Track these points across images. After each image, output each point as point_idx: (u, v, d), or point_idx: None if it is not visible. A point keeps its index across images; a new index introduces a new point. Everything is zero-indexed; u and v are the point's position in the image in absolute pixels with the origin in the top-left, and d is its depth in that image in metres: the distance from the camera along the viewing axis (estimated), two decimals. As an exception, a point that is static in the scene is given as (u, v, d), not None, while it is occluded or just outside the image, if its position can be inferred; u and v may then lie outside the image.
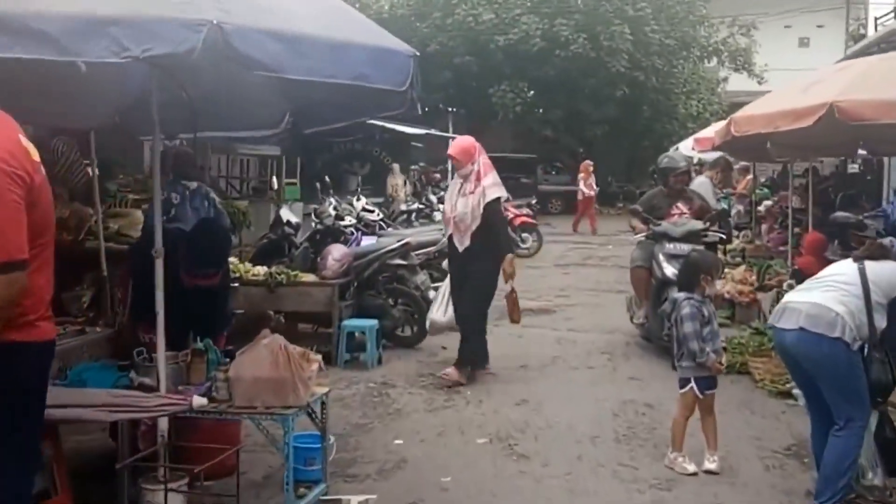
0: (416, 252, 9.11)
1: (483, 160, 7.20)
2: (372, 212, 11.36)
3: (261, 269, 7.81)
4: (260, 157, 13.70)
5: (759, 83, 32.26)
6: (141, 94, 4.91)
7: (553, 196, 31.39)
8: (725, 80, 34.16)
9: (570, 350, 8.54)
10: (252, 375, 3.95)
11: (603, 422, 6.14)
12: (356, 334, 7.60)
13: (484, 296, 7.27)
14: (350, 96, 4.89)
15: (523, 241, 16.64)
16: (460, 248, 7.15)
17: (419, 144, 23.24)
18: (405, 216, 14.25)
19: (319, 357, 4.32)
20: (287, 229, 8.54)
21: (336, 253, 7.75)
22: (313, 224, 9.22)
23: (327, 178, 15.53)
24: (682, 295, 5.09)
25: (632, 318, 8.82)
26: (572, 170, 33.80)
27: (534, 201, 20.59)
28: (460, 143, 7.57)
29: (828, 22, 34.80)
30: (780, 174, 15.53)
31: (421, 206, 14.75)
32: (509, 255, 7.19)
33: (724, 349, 5.18)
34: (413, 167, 24.95)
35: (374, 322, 7.63)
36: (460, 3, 28.08)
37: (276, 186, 10.20)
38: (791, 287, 8.85)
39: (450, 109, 32.05)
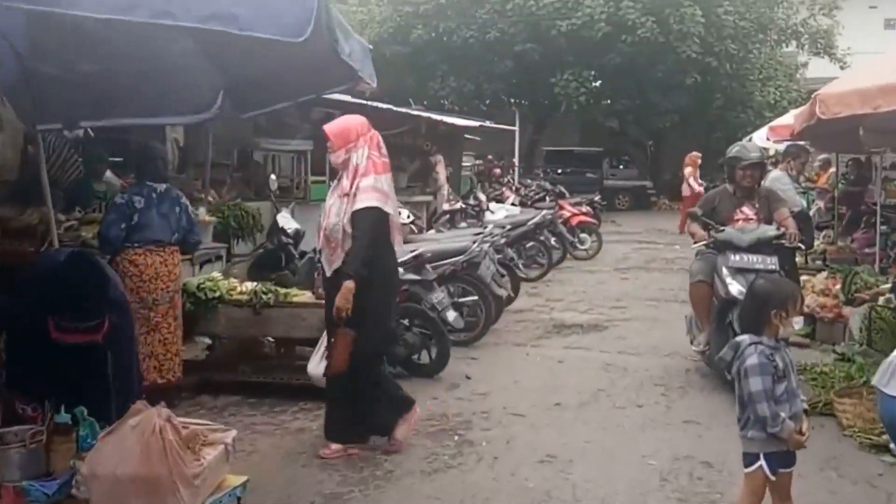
0: (439, 262, 7.88)
1: (371, 153, 5.12)
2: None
3: (248, 286, 6.68)
4: (293, 153, 12.62)
5: (842, 68, 29.99)
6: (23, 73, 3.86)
7: (620, 192, 29.79)
8: (805, 65, 31.90)
9: (619, 381, 7.17)
10: (112, 472, 2.77)
11: (648, 491, 4.79)
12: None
13: (362, 342, 5.09)
14: (284, 71, 4.21)
15: (581, 242, 15.24)
16: (328, 272, 5.24)
17: (475, 137, 21.92)
18: (448, 217, 12.93)
19: (229, 434, 3.10)
20: (284, 238, 7.38)
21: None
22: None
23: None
24: (746, 339, 3.71)
25: (692, 342, 7.41)
26: (640, 163, 32.21)
27: (597, 198, 19.10)
28: (342, 121, 5.36)
29: (918, 2, 32.28)
30: (855, 165, 13.75)
31: (466, 205, 13.33)
32: (348, 284, 4.94)
33: (806, 412, 3.78)
34: (475, 161, 23.73)
35: (377, 351, 6.42)
36: (521, -14, 26.67)
37: (274, 187, 9.00)
38: (892, 305, 7.36)
39: (512, 101, 30.74)
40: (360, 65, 3.89)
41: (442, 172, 15.63)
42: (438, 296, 7.15)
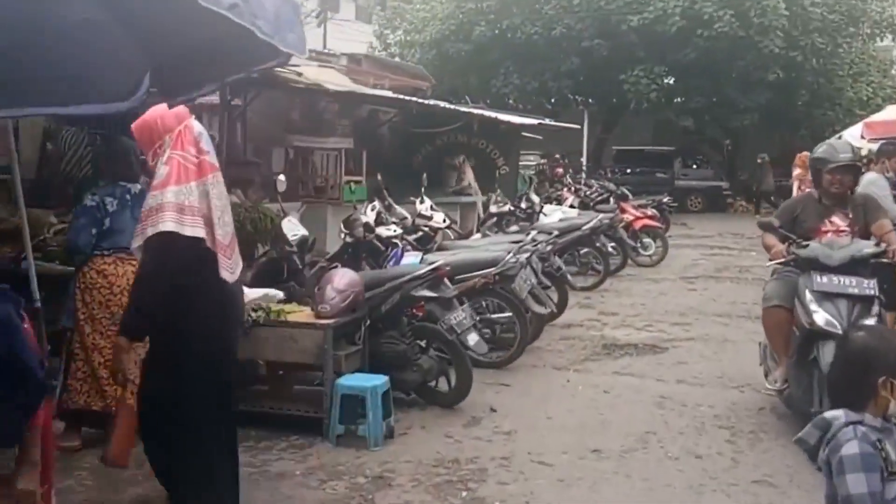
0: (468, 275, 6.84)
1: (175, 154, 3.69)
2: (429, 218, 9.05)
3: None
4: (330, 151, 11.76)
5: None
6: None
7: (692, 192, 28.23)
8: (898, 60, 29.86)
9: (674, 420, 6.00)
10: None
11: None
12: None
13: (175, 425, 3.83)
14: (211, 47, 3.79)
15: (644, 247, 14.00)
16: None
17: (536, 136, 20.75)
18: (494, 220, 11.81)
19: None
20: (287, 246, 6.41)
21: (339, 280, 5.53)
22: (341, 236, 7.09)
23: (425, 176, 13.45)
24: (841, 416, 2.54)
25: (766, 375, 6.19)
26: (716, 163, 30.52)
27: (666, 199, 17.69)
28: (144, 116, 3.84)
29: None
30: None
31: (516, 208, 12.16)
32: (118, 342, 3.81)
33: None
34: (540, 160, 22.62)
35: (379, 381, 5.38)
36: (590, -21, 25.38)
37: (283, 188, 8.04)
38: None
39: (579, 99, 29.46)
40: (284, 33, 2.93)
41: (468, 173, 14.56)
42: (458, 316, 6.08)
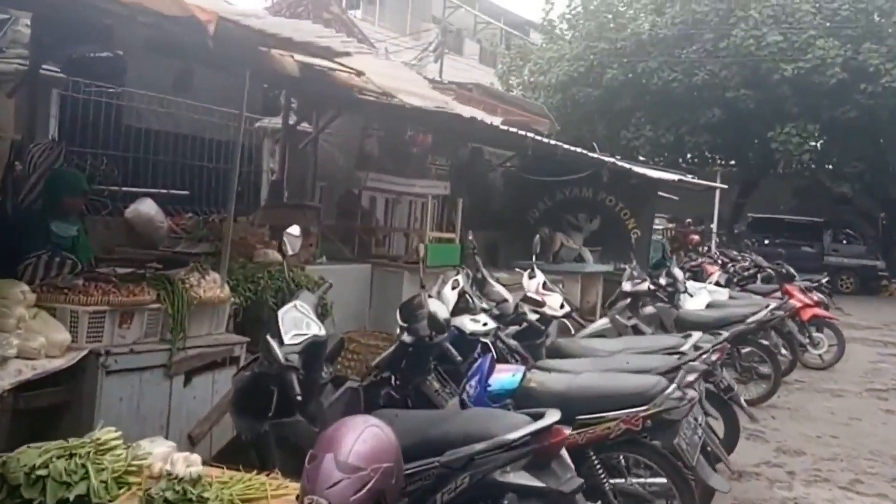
0: (596, 416, 4.17)
1: None
2: (540, 303, 6.26)
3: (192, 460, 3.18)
4: (417, 197, 9.37)
5: None
6: None
7: (843, 271, 24.57)
8: None
9: None
10: None
11: None
12: None
13: None
14: None
15: (814, 344, 10.96)
16: None
17: (672, 196, 17.85)
18: (628, 302, 8.92)
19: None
20: (286, 358, 3.68)
21: (349, 443, 2.69)
22: (397, 331, 4.46)
23: (543, 234, 10.89)
24: None
25: None
26: (870, 238, 26.72)
27: (825, 280, 14.34)
28: None
29: None
30: None
31: (655, 286, 9.21)
32: None
33: None
34: (668, 224, 19.70)
35: None
36: (739, 21, 22.38)
37: (291, 250, 5.21)
38: None
39: (717, 157, 26.33)
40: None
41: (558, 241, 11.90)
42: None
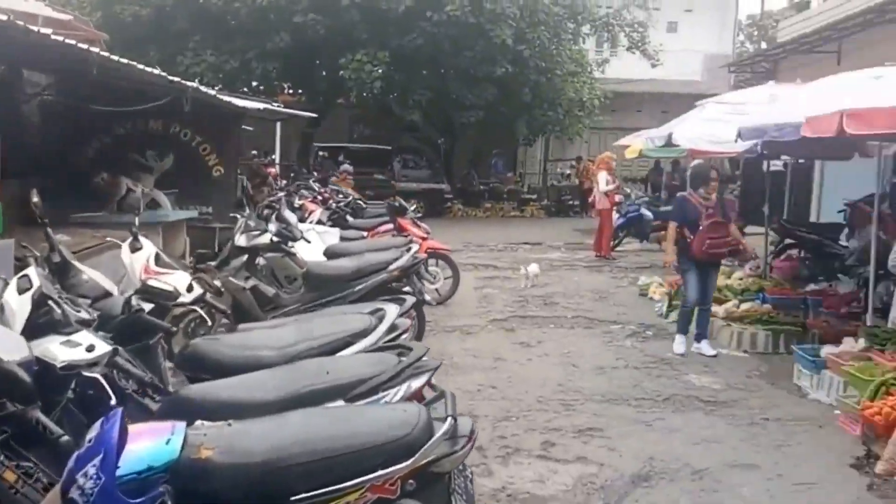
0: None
1: None
2: (164, 292, 4.17)
3: None
4: None
5: (653, 66, 27.41)
6: None
7: (411, 196, 25.07)
8: (606, 62, 29.09)
9: None
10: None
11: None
12: None
13: None
14: None
15: (433, 278, 10.30)
16: None
17: (248, 128, 16.15)
18: (245, 259, 7.13)
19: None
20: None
21: None
22: None
23: (101, 179, 8.42)
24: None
25: None
26: (434, 163, 27.64)
27: (412, 208, 13.93)
28: None
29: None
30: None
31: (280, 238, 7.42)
32: None
33: None
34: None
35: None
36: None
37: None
38: None
39: (283, 86, 25.15)
40: None
41: (123, 186, 9.82)
42: None
